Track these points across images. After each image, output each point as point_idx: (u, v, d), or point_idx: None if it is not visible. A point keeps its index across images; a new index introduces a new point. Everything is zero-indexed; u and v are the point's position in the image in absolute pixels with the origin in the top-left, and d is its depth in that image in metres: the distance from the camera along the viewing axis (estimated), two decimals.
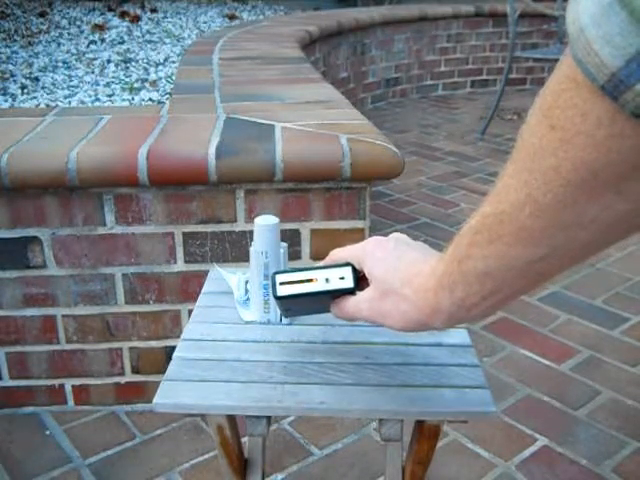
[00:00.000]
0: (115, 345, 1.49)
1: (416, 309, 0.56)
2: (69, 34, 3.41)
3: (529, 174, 0.40)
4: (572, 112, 0.36)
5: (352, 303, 0.63)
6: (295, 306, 0.71)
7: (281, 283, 0.66)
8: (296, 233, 1.42)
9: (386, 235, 0.65)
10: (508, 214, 0.43)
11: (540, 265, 0.44)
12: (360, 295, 0.63)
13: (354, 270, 0.65)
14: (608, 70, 0.32)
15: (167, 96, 2.12)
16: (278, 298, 0.67)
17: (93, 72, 2.56)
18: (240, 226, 1.41)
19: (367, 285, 0.62)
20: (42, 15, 3.80)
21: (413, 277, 0.56)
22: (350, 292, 0.64)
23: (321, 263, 0.68)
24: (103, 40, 3.28)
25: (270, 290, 0.84)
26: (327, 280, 0.65)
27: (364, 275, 0.63)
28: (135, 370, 1.52)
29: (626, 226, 0.39)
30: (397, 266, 0.59)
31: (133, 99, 2.11)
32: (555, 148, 0.37)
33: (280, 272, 0.67)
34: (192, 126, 1.50)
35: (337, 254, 0.67)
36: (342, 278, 0.65)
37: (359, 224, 1.42)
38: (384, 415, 0.71)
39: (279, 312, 0.86)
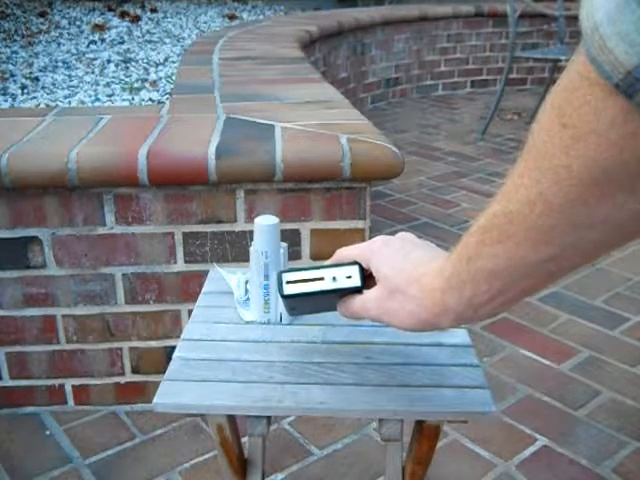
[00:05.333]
0: (115, 345, 1.49)
1: (423, 308, 0.55)
2: (69, 34, 3.41)
3: (540, 173, 0.39)
4: (585, 110, 0.35)
5: (359, 302, 0.63)
6: (301, 305, 0.71)
7: (288, 282, 0.66)
8: (296, 233, 1.42)
9: (387, 235, 0.65)
10: (518, 213, 0.42)
11: (550, 265, 0.44)
12: (367, 294, 0.62)
13: (361, 269, 0.64)
14: (623, 68, 0.32)
15: (167, 96, 2.12)
16: (285, 297, 0.66)
17: (93, 72, 2.56)
18: (240, 226, 1.41)
19: (374, 284, 0.61)
20: (42, 15, 3.80)
21: (420, 276, 0.56)
22: (357, 291, 0.64)
23: (328, 262, 0.68)
24: (103, 40, 3.28)
25: (277, 288, 0.84)
26: (334, 279, 0.65)
27: (371, 274, 0.63)
28: (135, 370, 1.51)
29: (638, 226, 0.39)
30: (404, 265, 0.58)
31: (133, 99, 2.11)
32: (567, 147, 0.37)
33: (287, 271, 0.66)
34: (192, 126, 1.50)
35: (344, 253, 0.67)
36: (349, 277, 0.64)
37: (359, 224, 1.42)
38: (384, 415, 0.71)
39: (280, 311, 0.86)
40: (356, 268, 0.64)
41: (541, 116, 0.39)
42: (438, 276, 0.54)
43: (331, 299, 0.67)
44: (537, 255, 0.43)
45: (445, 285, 0.52)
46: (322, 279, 0.65)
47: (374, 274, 0.62)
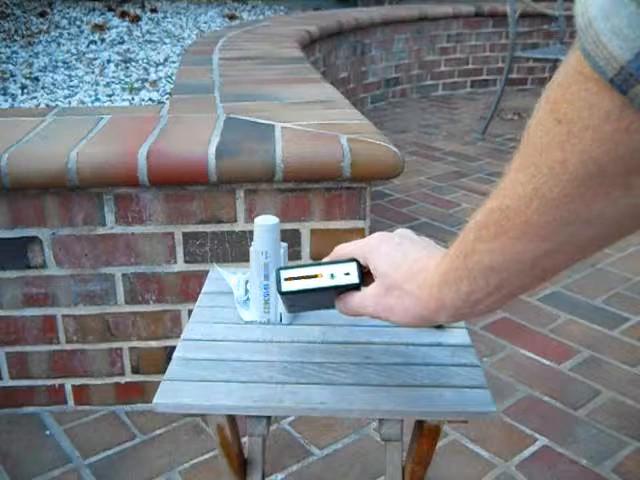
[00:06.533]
0: (115, 345, 1.49)
1: (421, 305, 0.56)
2: (69, 34, 3.41)
3: (536, 168, 0.40)
4: (579, 106, 0.35)
5: (357, 299, 0.63)
6: (299, 302, 0.71)
7: (286, 279, 0.66)
8: (296, 233, 1.42)
9: (386, 232, 0.65)
10: (514, 209, 0.43)
11: (546, 260, 0.44)
12: (365, 291, 0.62)
13: (359, 266, 0.64)
14: (617, 63, 0.32)
15: (167, 96, 2.12)
16: (283, 294, 0.66)
17: (93, 72, 2.56)
18: (240, 226, 1.41)
19: (372, 281, 0.62)
20: (42, 15, 3.80)
21: (418, 272, 0.56)
22: (355, 288, 0.64)
23: (326, 259, 0.68)
24: (103, 40, 3.28)
25: (275, 286, 0.84)
26: (332, 276, 0.65)
27: (369, 271, 0.63)
28: (135, 370, 1.52)
29: (633, 221, 0.39)
30: (402, 262, 0.59)
31: (133, 99, 2.11)
32: (562, 142, 0.37)
33: (285, 268, 0.67)
34: (192, 126, 1.50)
35: (342, 250, 0.67)
36: (347, 274, 0.64)
37: (359, 224, 1.42)
38: (384, 415, 0.71)
39: (280, 311, 0.86)
40: (354, 265, 0.65)
41: (536, 112, 0.39)
42: (435, 272, 0.54)
43: (329, 296, 0.67)
44: (534, 250, 0.44)
45: (442, 281, 0.53)
46: (320, 276, 0.65)
47: (372, 271, 0.62)
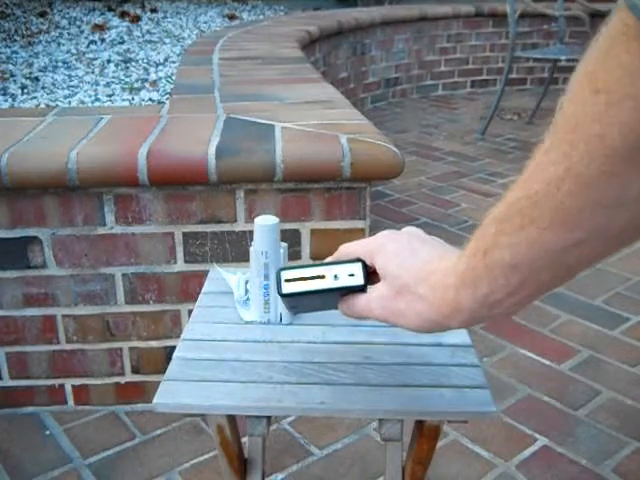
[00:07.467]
0: (115, 345, 1.49)
1: (433, 309, 0.52)
2: (69, 34, 3.41)
3: (569, 146, 0.37)
4: (619, 73, 0.33)
5: (362, 301, 0.59)
6: (302, 303, 0.68)
7: (286, 280, 0.62)
8: (296, 233, 1.42)
9: (393, 230, 0.62)
10: (544, 194, 0.40)
11: (574, 252, 0.41)
12: (371, 293, 0.59)
13: (364, 266, 0.61)
14: None
15: (167, 96, 2.12)
16: (283, 296, 0.63)
17: (93, 72, 2.56)
18: (240, 226, 1.41)
19: (378, 281, 0.58)
20: (42, 15, 3.80)
21: (429, 274, 0.53)
22: (360, 289, 0.61)
23: (330, 258, 0.65)
24: (103, 40, 3.28)
25: (275, 287, 0.83)
26: (336, 277, 0.61)
27: (374, 271, 0.59)
28: (135, 370, 1.51)
29: None
30: (412, 262, 0.55)
31: (133, 99, 2.11)
32: (600, 113, 0.34)
33: (286, 268, 0.63)
34: (192, 126, 1.50)
35: (347, 249, 0.63)
36: (352, 275, 0.61)
37: (359, 224, 1.42)
38: (384, 415, 0.71)
39: (280, 311, 0.86)
40: (359, 266, 0.61)
41: (570, 86, 0.37)
42: (451, 273, 0.50)
43: (333, 298, 0.64)
44: (562, 240, 0.41)
45: (458, 282, 0.49)
46: (323, 277, 0.62)
47: (379, 271, 0.58)
